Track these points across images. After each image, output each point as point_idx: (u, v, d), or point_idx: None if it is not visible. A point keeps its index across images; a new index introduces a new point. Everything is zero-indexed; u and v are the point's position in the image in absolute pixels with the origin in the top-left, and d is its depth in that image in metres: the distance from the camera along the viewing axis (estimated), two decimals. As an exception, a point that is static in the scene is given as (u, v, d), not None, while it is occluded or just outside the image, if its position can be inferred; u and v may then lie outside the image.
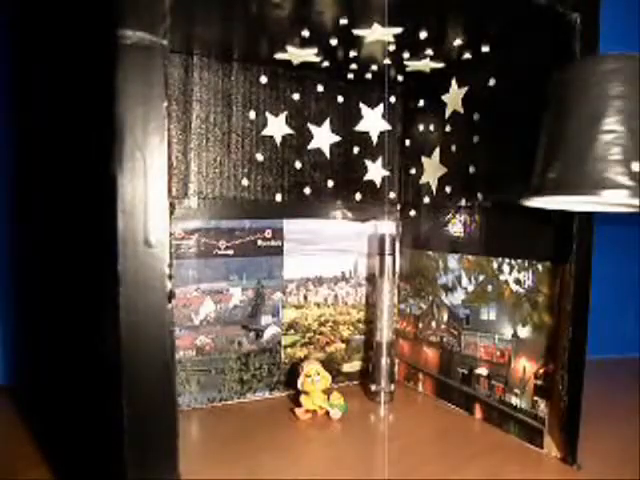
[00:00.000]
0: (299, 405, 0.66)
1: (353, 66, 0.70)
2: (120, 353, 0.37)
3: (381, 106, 0.80)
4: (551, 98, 0.45)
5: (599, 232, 0.54)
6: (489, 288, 0.66)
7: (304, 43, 0.61)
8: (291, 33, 0.59)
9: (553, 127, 0.44)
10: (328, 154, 0.77)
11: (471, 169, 0.69)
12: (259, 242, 0.72)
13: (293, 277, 0.75)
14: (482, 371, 0.67)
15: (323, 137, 0.77)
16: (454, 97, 0.71)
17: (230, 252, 0.70)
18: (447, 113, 0.73)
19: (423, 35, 0.58)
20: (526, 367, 0.61)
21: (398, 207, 0.82)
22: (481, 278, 0.67)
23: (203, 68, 0.68)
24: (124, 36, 0.36)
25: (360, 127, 0.79)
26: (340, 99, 0.78)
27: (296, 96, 0.74)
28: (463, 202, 0.70)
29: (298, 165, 0.75)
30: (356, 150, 0.79)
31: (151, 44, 0.37)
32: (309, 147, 0.76)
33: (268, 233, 0.73)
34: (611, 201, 0.41)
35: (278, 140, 0.74)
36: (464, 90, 0.69)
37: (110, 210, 0.37)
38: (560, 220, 0.54)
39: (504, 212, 0.64)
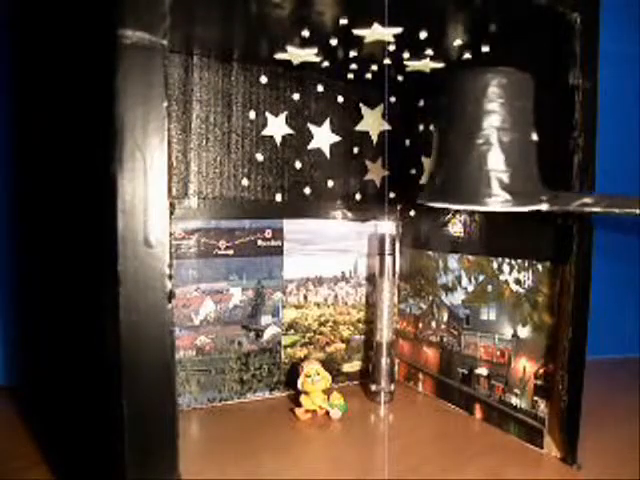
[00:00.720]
0: (299, 405, 0.66)
1: (353, 66, 0.70)
2: (120, 353, 0.37)
3: (381, 106, 0.80)
4: (442, 101, 0.47)
5: (599, 231, 0.54)
6: (489, 288, 0.66)
7: (304, 43, 0.61)
8: (291, 33, 0.59)
9: (441, 131, 0.46)
10: (328, 154, 0.77)
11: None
12: (259, 242, 0.72)
13: (293, 277, 0.75)
14: (482, 371, 0.67)
15: (323, 137, 0.77)
16: (454, 97, 0.71)
17: (230, 252, 0.70)
18: (447, 113, 0.73)
19: (423, 35, 0.58)
20: (526, 367, 0.61)
21: (398, 207, 0.82)
22: (481, 278, 0.67)
23: (203, 68, 0.68)
24: (124, 36, 0.36)
25: (360, 127, 0.79)
26: (340, 99, 0.78)
27: (296, 96, 0.74)
28: (463, 202, 0.70)
29: (298, 165, 0.75)
30: (356, 150, 0.79)
31: (151, 44, 0.37)
32: (309, 147, 0.76)
33: (268, 233, 0.73)
34: (487, 210, 0.43)
35: (278, 140, 0.74)
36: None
37: (110, 210, 0.37)
38: (560, 220, 0.54)
39: (504, 212, 0.63)
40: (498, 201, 0.42)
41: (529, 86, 0.45)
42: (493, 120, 0.42)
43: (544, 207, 0.44)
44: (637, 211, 0.43)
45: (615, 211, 0.44)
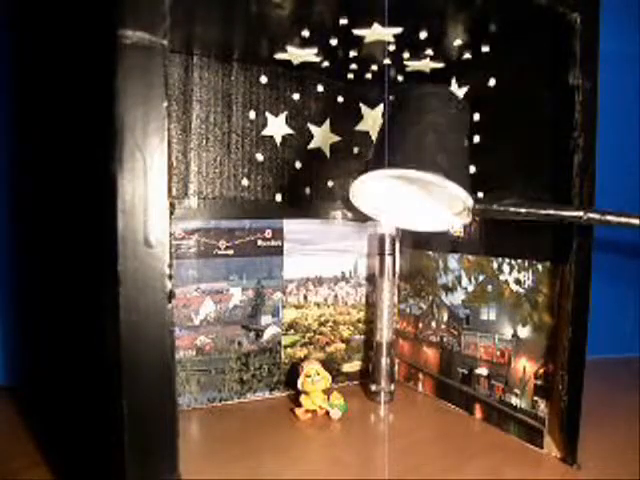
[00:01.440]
0: (299, 405, 0.66)
1: (353, 66, 0.70)
2: (120, 353, 0.37)
3: (381, 106, 0.80)
4: (394, 106, 0.57)
5: (599, 232, 0.54)
6: (489, 288, 0.66)
7: (304, 43, 0.61)
8: (291, 33, 0.59)
9: (390, 127, 0.54)
10: (328, 154, 0.77)
11: (471, 169, 0.68)
12: (259, 242, 0.72)
13: (293, 277, 0.75)
14: (482, 371, 0.67)
15: (323, 137, 0.77)
16: (454, 97, 0.71)
17: (230, 252, 0.70)
18: (447, 113, 0.73)
19: (423, 35, 0.58)
20: (526, 367, 0.61)
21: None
22: (481, 278, 0.67)
23: (203, 68, 0.68)
24: (124, 36, 0.36)
25: (360, 127, 0.79)
26: (340, 99, 0.78)
27: (296, 96, 0.74)
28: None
29: (298, 165, 0.75)
30: (356, 150, 0.79)
31: (151, 44, 0.37)
32: (309, 147, 0.76)
33: (268, 233, 0.73)
34: (415, 177, 0.50)
35: (278, 140, 0.74)
36: (464, 90, 0.69)
37: (110, 210, 0.37)
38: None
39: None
40: (431, 172, 0.48)
41: (465, 105, 0.55)
42: (433, 116, 0.51)
43: (470, 202, 0.49)
44: (551, 212, 0.49)
45: (540, 212, 0.49)
